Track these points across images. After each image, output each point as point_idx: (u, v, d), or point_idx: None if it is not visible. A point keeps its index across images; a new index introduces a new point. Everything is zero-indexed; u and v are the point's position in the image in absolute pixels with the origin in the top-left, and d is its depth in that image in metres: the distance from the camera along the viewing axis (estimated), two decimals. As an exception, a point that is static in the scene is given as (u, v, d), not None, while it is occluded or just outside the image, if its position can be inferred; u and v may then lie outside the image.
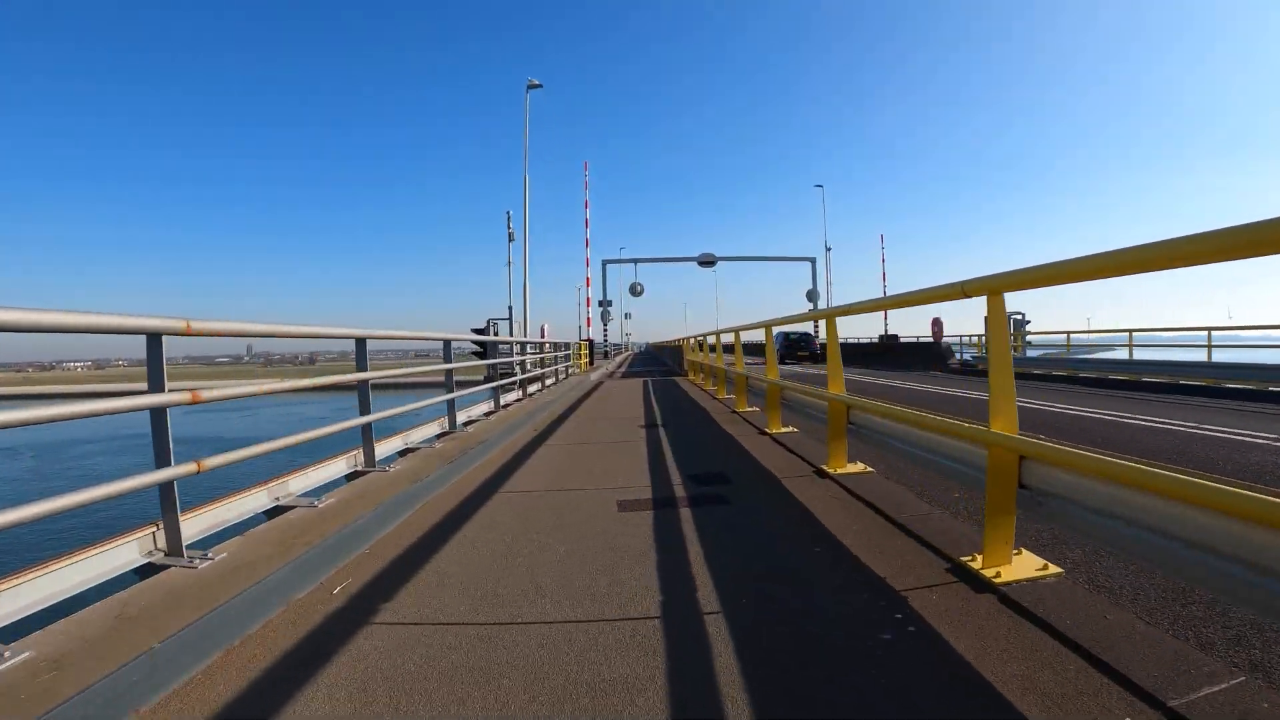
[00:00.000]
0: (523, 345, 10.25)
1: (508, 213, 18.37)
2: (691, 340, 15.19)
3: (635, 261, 32.94)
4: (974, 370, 17.99)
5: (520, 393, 9.50)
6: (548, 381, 11.82)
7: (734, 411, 7.70)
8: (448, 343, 5.96)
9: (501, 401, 8.66)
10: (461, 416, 6.91)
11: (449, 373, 5.88)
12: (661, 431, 6.31)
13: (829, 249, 36.40)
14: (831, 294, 35.89)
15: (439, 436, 5.64)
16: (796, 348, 23.24)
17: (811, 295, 35.02)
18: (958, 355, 20.03)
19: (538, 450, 5.36)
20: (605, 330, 31.75)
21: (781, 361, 21.87)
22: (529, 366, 11.98)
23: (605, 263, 32.22)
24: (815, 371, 18.42)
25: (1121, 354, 13.71)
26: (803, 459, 4.58)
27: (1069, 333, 15.35)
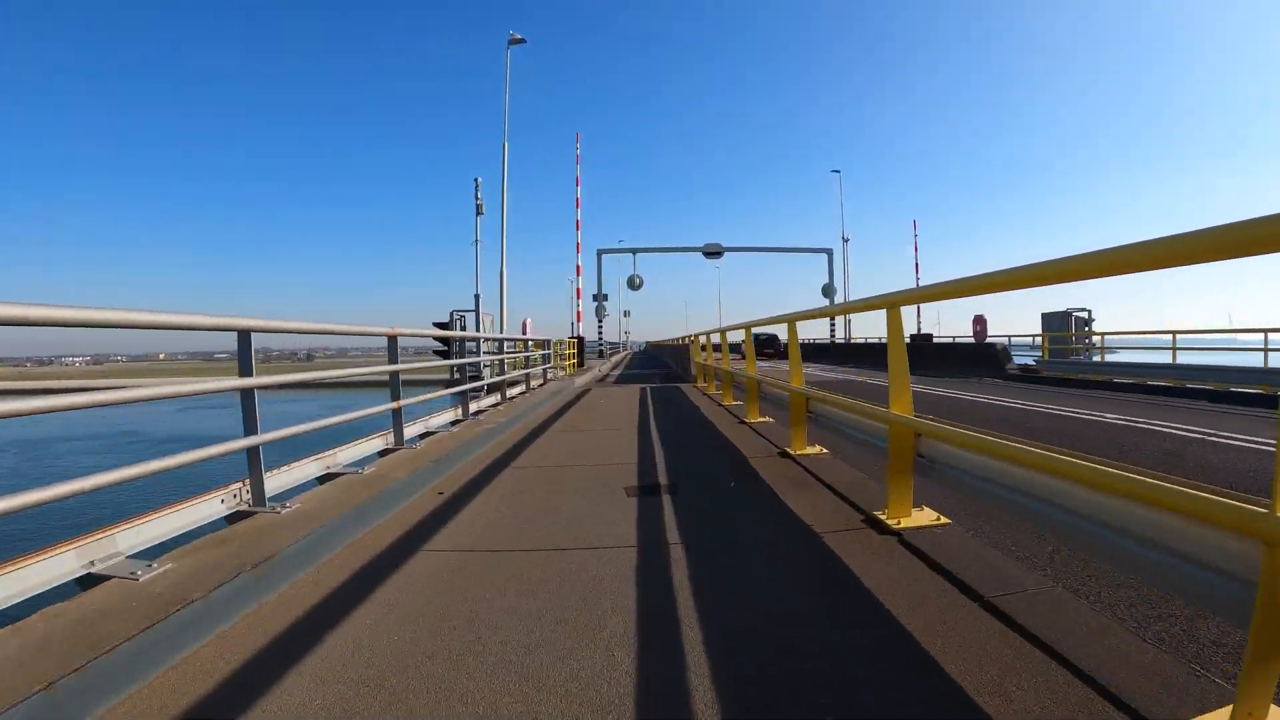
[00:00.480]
0: (461, 343, 7.22)
1: (475, 180, 14.97)
2: (704, 338, 12.04)
3: (634, 251, 29.75)
4: (1036, 377, 15.00)
5: (459, 413, 6.50)
6: (512, 391, 8.84)
7: (784, 453, 4.72)
8: (245, 333, 2.96)
9: (421, 430, 5.68)
10: (313, 469, 3.90)
11: (249, 399, 2.91)
12: (669, 512, 3.32)
13: (846, 239, 33.45)
14: (849, 289, 32.94)
15: (185, 547, 2.57)
16: (764, 346, 24.53)
17: (827, 290, 32.04)
18: (1015, 359, 16.98)
19: (382, 589, 2.34)
20: (600, 327, 28.63)
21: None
22: (506, 369, 9.13)
23: (600, 252, 28.92)
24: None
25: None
26: (1055, 658, 1.59)
27: (1175, 333, 12.30)
